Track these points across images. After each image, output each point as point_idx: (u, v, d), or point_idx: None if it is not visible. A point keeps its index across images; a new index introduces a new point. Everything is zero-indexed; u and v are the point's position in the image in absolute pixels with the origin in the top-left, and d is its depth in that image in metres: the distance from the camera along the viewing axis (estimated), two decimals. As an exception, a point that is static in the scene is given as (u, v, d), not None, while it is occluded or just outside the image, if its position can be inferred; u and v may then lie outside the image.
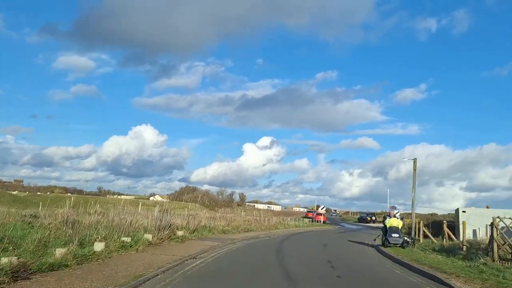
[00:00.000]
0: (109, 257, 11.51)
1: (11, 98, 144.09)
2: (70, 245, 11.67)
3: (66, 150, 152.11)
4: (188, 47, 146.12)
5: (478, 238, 27.37)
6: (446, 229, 24.53)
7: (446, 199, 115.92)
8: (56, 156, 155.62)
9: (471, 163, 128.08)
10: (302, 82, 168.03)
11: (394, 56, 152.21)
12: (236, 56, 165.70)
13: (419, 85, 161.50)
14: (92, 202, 22.61)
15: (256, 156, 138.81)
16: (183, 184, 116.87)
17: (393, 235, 20.21)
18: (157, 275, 9.51)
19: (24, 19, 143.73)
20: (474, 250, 18.15)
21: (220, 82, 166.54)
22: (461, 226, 29.41)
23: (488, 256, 15.86)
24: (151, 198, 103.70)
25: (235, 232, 25.92)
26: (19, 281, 7.74)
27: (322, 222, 58.79)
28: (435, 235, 32.75)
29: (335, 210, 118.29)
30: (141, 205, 37.53)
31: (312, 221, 59.78)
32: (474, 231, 29.46)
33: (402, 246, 20.08)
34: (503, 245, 16.46)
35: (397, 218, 21.15)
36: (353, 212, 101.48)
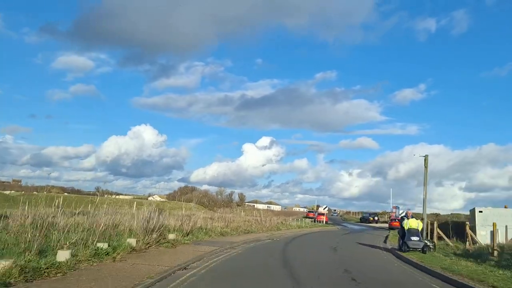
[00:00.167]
0: (75, 269, 8.95)
1: (10, 98, 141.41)
2: (27, 253, 9.15)
3: (65, 150, 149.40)
4: (188, 47, 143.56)
5: (499, 240, 24.93)
6: (469, 231, 22.01)
7: (445, 199, 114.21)
8: (55, 156, 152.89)
9: (470, 163, 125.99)
10: (302, 82, 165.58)
11: (393, 56, 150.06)
12: (236, 56, 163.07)
13: (418, 85, 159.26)
14: (79, 202, 20.33)
15: (256, 156, 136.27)
16: (183, 185, 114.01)
17: (413, 238, 17.65)
18: (129, 298, 6.97)
19: (23, 18, 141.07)
20: (509, 255, 15.60)
21: (220, 82, 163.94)
22: (479, 228, 26.91)
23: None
24: (149, 198, 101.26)
25: (234, 234, 23.36)
26: None
27: (324, 222, 56.25)
28: (446, 236, 30.28)
29: (335, 210, 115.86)
30: (136, 205, 34.83)
31: (314, 221, 57.26)
32: (492, 233, 27.02)
33: (422, 250, 17.53)
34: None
35: (416, 219, 18.59)
36: (355, 212, 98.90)
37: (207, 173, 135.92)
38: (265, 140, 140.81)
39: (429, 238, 30.06)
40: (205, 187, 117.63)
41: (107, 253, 10.90)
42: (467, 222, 23.45)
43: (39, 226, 12.05)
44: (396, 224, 55.91)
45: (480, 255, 17.15)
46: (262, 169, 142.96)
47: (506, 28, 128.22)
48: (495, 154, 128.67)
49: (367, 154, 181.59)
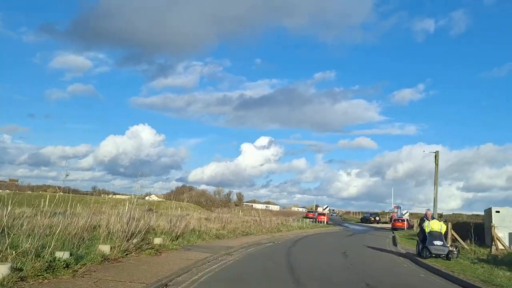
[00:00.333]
0: (11, 292, 6.48)
1: (9, 98, 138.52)
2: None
3: (63, 150, 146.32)
4: (186, 47, 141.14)
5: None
6: (495, 234, 19.54)
7: (443, 199, 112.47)
8: (53, 155, 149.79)
9: (468, 163, 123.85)
10: (301, 82, 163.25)
11: (392, 57, 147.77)
12: (235, 56, 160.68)
13: (417, 86, 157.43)
14: (72, 201, 18.06)
15: (254, 156, 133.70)
16: (181, 184, 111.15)
17: (435, 242, 15.18)
18: None
19: (21, 18, 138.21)
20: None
21: (218, 82, 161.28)
22: (499, 229, 24.46)
23: None
24: (147, 198, 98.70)
25: (231, 237, 20.86)
26: None
27: (325, 223, 53.82)
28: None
29: (333, 210, 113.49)
30: (128, 204, 32.16)
31: (314, 221, 54.85)
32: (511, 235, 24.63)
33: (447, 257, 15.07)
34: None
35: (438, 220, 16.13)
36: (355, 212, 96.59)
37: (205, 173, 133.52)
38: (263, 140, 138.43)
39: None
40: (203, 186, 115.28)
41: (67, 265, 8.40)
42: (493, 224, 20.96)
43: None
44: (400, 224, 53.65)
45: (513, 261, 14.69)
46: (260, 169, 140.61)
47: (504, 29, 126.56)
48: (493, 154, 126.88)
49: (365, 154, 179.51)
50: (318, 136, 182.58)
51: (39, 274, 7.54)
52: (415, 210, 76.39)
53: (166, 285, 8.19)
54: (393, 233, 42.63)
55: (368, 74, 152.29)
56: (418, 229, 17.44)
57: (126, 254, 11.20)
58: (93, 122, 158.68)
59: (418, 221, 17.74)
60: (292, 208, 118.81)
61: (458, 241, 24.20)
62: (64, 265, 8.32)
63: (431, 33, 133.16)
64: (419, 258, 15.61)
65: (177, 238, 15.70)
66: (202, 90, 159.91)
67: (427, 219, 16.14)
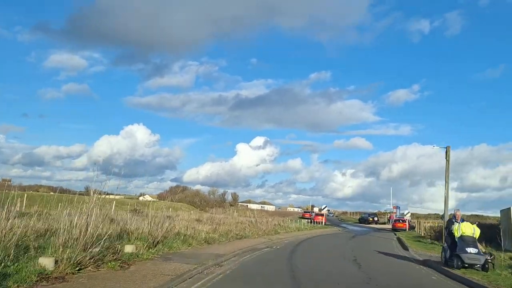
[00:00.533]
0: None
1: (2, 97, 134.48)
2: None
3: (57, 150, 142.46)
4: (182, 46, 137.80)
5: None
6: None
7: (437, 199, 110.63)
8: (47, 155, 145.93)
9: (462, 164, 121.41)
10: (296, 82, 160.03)
11: (387, 57, 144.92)
12: (230, 56, 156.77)
13: (411, 86, 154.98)
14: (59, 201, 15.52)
15: (249, 156, 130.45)
16: (175, 184, 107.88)
17: (469, 250, 12.36)
18: None
19: (16, 17, 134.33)
20: None
21: (214, 81, 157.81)
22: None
23: None
24: (141, 198, 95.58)
25: (223, 241, 17.97)
26: None
27: (323, 223, 51.07)
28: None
29: (328, 210, 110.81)
30: (115, 205, 29.07)
31: (311, 222, 52.17)
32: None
33: (483, 267, 12.26)
34: None
35: (469, 223, 13.34)
36: (352, 212, 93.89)
37: (200, 173, 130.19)
38: (259, 140, 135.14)
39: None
40: (198, 187, 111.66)
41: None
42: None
43: None
44: (401, 225, 50.88)
45: None
46: (255, 169, 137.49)
47: (498, 30, 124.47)
48: (487, 155, 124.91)
49: (360, 155, 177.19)
50: (313, 136, 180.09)
51: None
52: (410, 210, 73.80)
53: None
54: (395, 234, 39.96)
55: (363, 75, 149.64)
56: (445, 233, 14.64)
57: (80, 269, 8.29)
58: (87, 121, 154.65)
59: (445, 224, 14.87)
60: (288, 208, 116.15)
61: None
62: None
63: (426, 34, 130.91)
64: (447, 268, 12.81)
65: (156, 245, 12.78)
66: (198, 90, 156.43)
67: (456, 221, 13.34)
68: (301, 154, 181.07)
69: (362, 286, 9.58)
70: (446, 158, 26.88)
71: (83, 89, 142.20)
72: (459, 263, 12.39)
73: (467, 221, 13.43)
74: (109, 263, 9.24)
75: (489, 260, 12.67)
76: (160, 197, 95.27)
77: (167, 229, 14.61)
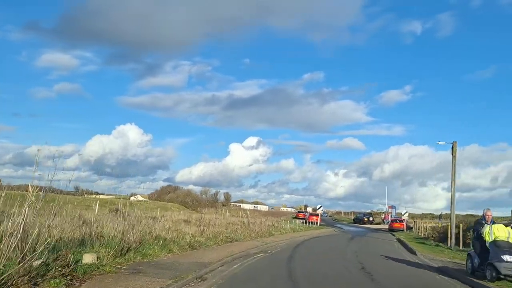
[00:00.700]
0: None
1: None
2: None
3: (48, 149, 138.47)
4: (174, 46, 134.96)
5: None
6: None
7: (428, 199, 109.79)
8: (38, 155, 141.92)
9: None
10: (289, 83, 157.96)
11: (380, 58, 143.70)
12: (223, 56, 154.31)
13: (404, 87, 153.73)
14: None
15: (242, 156, 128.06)
16: (167, 184, 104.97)
17: (506, 258, 10.13)
18: None
19: (6, 15, 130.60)
20: None
21: (207, 81, 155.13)
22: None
23: None
24: (132, 198, 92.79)
25: (211, 245, 15.61)
26: None
27: (318, 224, 48.86)
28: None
29: (323, 210, 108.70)
30: (98, 205, 26.41)
31: (305, 222, 49.89)
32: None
33: (521, 278, 10.08)
34: None
35: (503, 225, 11.16)
36: (346, 212, 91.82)
37: (193, 173, 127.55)
38: (252, 140, 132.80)
39: (461, 245, 22.88)
40: (190, 187, 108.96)
41: None
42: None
43: None
44: (398, 225, 48.76)
45: None
46: (248, 169, 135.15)
47: (490, 31, 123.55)
48: (478, 155, 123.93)
49: (353, 155, 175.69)
50: (306, 137, 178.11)
51: None
52: (400, 210, 71.83)
53: None
54: (393, 235, 37.87)
55: (356, 75, 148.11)
56: (473, 235, 12.41)
57: (3, 292, 5.92)
58: (79, 121, 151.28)
59: (473, 225, 12.61)
60: (281, 208, 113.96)
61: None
62: None
63: (418, 35, 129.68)
64: (476, 280, 10.59)
65: (127, 252, 10.41)
66: (191, 90, 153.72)
67: (486, 223, 11.14)
68: (294, 154, 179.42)
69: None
70: (452, 154, 24.80)
71: (75, 88, 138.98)
72: (494, 274, 10.17)
73: (494, 223, 11.19)
74: (53, 280, 6.88)
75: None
76: (151, 197, 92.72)
77: (142, 232, 12.22)
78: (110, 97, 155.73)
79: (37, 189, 7.82)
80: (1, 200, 8.51)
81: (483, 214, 11.65)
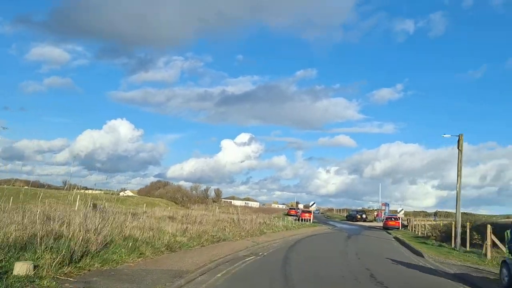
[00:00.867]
0: None
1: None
2: None
3: (38, 144, 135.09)
4: (167, 41, 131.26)
5: None
6: None
7: (418, 197, 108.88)
8: (28, 149, 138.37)
9: (443, 162, 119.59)
10: (282, 80, 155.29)
11: (372, 56, 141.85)
12: (216, 52, 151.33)
13: (395, 85, 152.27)
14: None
15: (234, 152, 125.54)
16: (158, 180, 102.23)
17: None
18: None
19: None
20: None
21: (199, 77, 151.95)
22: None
23: None
24: (121, 193, 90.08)
25: (193, 247, 13.38)
26: None
27: (311, 221, 46.80)
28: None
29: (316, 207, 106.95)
30: (79, 200, 23.93)
31: (297, 219, 47.82)
32: None
33: None
34: None
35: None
36: (338, 209, 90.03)
37: (184, 169, 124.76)
38: (244, 137, 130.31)
39: (468, 246, 20.96)
40: (181, 183, 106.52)
41: None
42: None
43: None
44: (393, 223, 46.83)
45: None
46: (240, 165, 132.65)
47: (481, 31, 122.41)
48: (467, 154, 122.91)
49: (344, 152, 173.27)
50: (298, 133, 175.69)
51: None
52: (392, 207, 70.19)
53: None
54: (389, 233, 35.99)
55: (348, 73, 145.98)
56: (509, 237, 10.33)
57: None
58: (70, 115, 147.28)
59: (509, 231, 10.37)
60: (272, 205, 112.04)
61: (502, 249, 17.37)
62: None
63: (410, 34, 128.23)
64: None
65: (81, 258, 8.14)
66: (183, 85, 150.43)
67: (526, 224, 9.07)
68: (286, 151, 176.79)
69: None
70: (458, 147, 22.83)
71: (66, 82, 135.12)
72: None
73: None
74: None
75: None
76: (141, 192, 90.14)
77: (109, 231, 9.95)
78: (102, 92, 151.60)
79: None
80: None
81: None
